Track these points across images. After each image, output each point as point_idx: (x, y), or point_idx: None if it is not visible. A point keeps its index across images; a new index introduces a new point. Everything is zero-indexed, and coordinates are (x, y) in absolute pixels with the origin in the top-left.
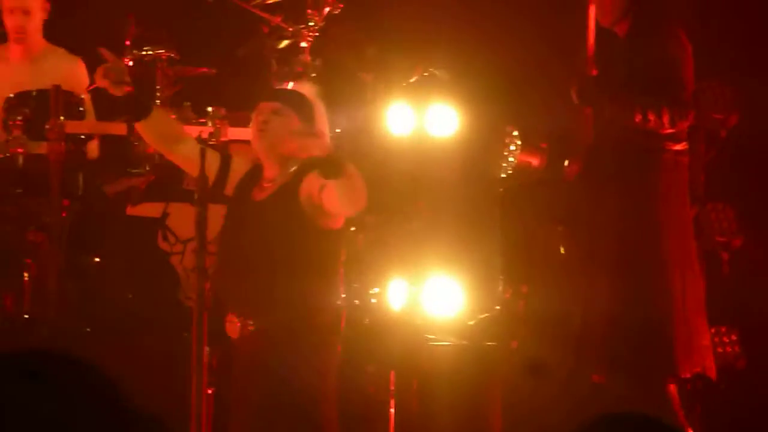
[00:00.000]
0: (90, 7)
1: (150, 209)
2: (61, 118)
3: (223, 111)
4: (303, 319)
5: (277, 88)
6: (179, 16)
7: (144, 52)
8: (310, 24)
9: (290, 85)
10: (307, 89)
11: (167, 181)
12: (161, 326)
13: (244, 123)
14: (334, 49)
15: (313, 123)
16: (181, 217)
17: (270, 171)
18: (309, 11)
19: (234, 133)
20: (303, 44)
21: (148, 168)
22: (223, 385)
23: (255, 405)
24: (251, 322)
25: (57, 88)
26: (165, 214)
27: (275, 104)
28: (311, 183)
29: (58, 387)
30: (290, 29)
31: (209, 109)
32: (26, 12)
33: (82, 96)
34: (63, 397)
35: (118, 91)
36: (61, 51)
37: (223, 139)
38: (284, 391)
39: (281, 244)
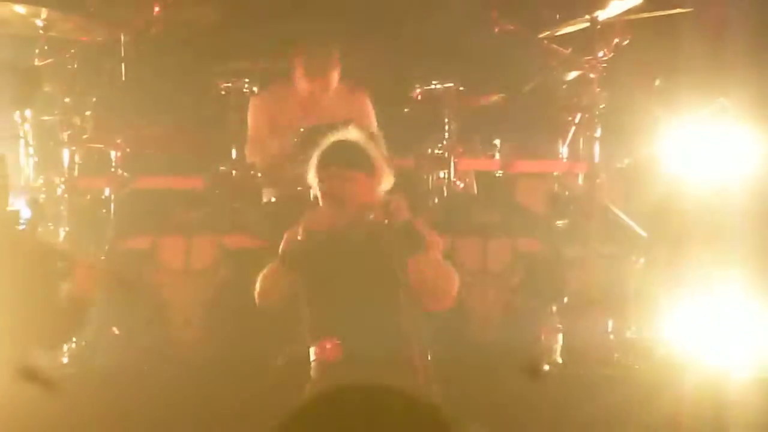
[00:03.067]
0: (375, 42)
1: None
2: None
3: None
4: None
5: (333, 144)
6: (466, 48)
7: (432, 86)
8: (599, 55)
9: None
10: (356, 134)
11: (456, 215)
12: None
13: (532, 155)
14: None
15: (374, 172)
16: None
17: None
18: (598, 42)
19: (522, 165)
20: (591, 75)
21: (434, 202)
22: None
23: None
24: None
25: (347, 123)
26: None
27: (338, 170)
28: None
29: None
30: (579, 60)
31: (497, 141)
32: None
33: (372, 131)
34: None
35: None
36: (342, 86)
37: (511, 171)
38: None
39: (380, 274)
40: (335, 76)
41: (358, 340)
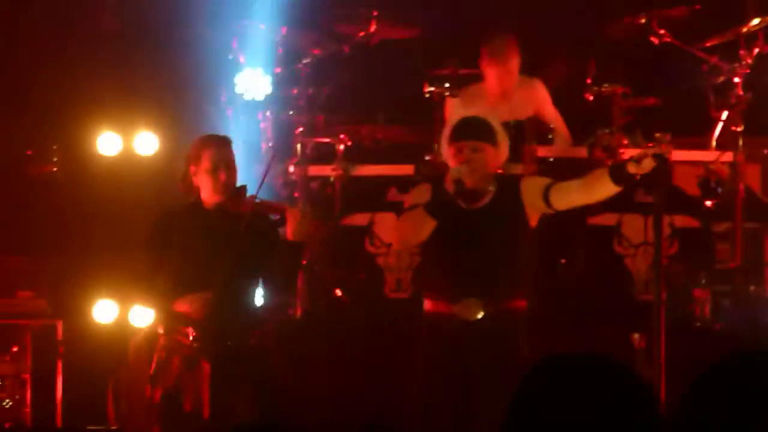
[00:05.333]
0: (553, 52)
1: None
2: (534, 143)
3: (668, 136)
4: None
5: (469, 123)
6: (631, 56)
7: (603, 88)
8: (743, 63)
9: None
10: (488, 117)
11: (622, 196)
12: (615, 319)
13: (688, 146)
14: (765, 83)
15: (498, 145)
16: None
17: (475, 186)
18: (741, 52)
19: (678, 155)
20: (736, 79)
21: None
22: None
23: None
24: (491, 305)
25: (532, 118)
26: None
27: (474, 142)
28: (534, 186)
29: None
30: (725, 67)
31: (657, 134)
32: (511, 73)
33: (552, 125)
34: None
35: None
36: (523, 78)
37: (668, 159)
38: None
39: (508, 239)
40: (516, 61)
41: (501, 298)
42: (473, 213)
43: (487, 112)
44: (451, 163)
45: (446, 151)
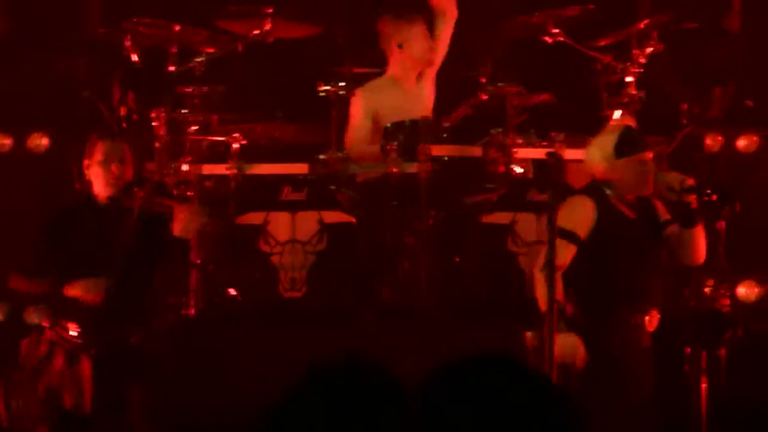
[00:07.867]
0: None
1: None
2: (429, 142)
3: (562, 135)
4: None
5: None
6: (525, 56)
7: (497, 88)
8: (636, 62)
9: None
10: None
11: (515, 194)
12: (508, 318)
13: (581, 145)
14: (658, 82)
15: None
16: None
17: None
18: (635, 51)
19: (571, 153)
20: (629, 79)
21: (497, 184)
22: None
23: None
24: (659, 315)
25: (425, 119)
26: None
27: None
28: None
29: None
30: (619, 66)
31: (551, 133)
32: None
33: (446, 125)
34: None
35: None
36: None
37: (561, 158)
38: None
39: (656, 247)
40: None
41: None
42: (635, 222)
43: (394, 107)
44: (634, 174)
45: (623, 161)
